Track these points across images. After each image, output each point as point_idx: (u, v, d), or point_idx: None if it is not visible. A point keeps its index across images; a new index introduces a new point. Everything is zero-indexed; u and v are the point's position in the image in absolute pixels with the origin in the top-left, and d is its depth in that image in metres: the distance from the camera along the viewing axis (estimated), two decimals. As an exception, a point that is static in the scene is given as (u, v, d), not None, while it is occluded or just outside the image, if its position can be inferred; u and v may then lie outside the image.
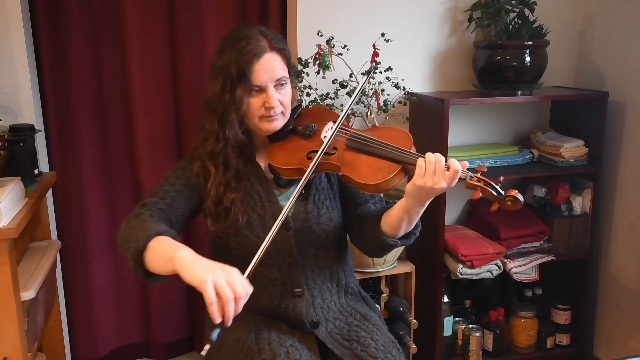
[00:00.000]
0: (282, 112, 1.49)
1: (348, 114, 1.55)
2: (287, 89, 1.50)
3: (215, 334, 1.20)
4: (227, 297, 1.15)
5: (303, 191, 1.52)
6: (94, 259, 2.45)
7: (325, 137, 1.50)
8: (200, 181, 1.50)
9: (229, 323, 1.17)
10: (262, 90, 1.45)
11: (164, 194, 1.47)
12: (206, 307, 1.15)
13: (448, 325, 2.45)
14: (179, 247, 1.27)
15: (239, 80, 1.43)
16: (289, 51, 1.52)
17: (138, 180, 2.43)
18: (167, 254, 1.26)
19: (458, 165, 1.30)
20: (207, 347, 1.21)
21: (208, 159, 1.49)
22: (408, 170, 1.38)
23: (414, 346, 2.15)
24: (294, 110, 1.57)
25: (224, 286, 1.15)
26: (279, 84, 1.47)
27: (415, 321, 2.18)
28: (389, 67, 2.19)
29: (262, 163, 1.55)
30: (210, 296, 1.14)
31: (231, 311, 1.16)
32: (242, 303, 1.18)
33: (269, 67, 1.44)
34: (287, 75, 1.49)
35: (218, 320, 1.16)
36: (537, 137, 2.54)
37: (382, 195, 1.62)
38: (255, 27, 1.50)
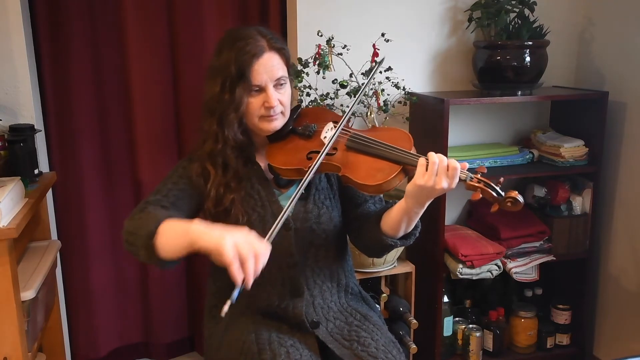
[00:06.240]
0: (281, 112, 1.49)
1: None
2: (287, 89, 1.50)
3: (235, 294, 1.17)
4: (246, 254, 1.14)
5: (303, 191, 1.52)
6: (94, 259, 2.45)
7: (325, 137, 1.49)
8: (200, 182, 1.50)
9: (250, 283, 1.16)
10: (261, 90, 1.45)
11: (167, 192, 1.47)
12: (228, 271, 1.13)
13: (448, 325, 2.45)
14: (192, 222, 1.27)
15: (239, 80, 1.42)
16: (287, 50, 1.52)
17: (138, 181, 2.42)
18: (181, 228, 1.27)
19: (458, 165, 1.31)
20: (226, 307, 1.16)
21: (207, 159, 1.49)
22: (408, 171, 1.38)
23: (414, 346, 2.15)
24: (293, 110, 1.57)
25: (243, 243, 1.16)
26: (278, 83, 1.47)
27: (415, 321, 2.18)
28: (389, 67, 2.19)
29: (262, 163, 1.55)
30: (229, 255, 1.14)
31: (251, 269, 1.15)
32: (262, 261, 1.18)
33: (269, 66, 1.44)
34: (287, 75, 1.50)
35: (240, 279, 1.15)
36: (537, 137, 2.54)
37: (382, 195, 1.62)
38: (253, 27, 1.50)
